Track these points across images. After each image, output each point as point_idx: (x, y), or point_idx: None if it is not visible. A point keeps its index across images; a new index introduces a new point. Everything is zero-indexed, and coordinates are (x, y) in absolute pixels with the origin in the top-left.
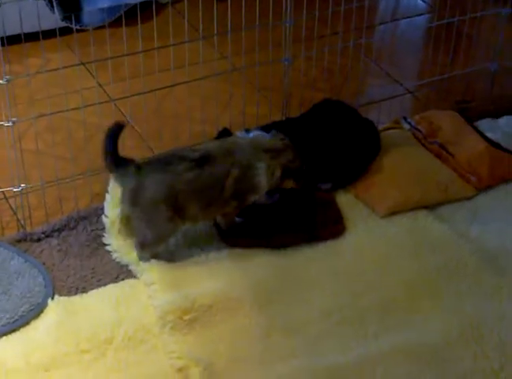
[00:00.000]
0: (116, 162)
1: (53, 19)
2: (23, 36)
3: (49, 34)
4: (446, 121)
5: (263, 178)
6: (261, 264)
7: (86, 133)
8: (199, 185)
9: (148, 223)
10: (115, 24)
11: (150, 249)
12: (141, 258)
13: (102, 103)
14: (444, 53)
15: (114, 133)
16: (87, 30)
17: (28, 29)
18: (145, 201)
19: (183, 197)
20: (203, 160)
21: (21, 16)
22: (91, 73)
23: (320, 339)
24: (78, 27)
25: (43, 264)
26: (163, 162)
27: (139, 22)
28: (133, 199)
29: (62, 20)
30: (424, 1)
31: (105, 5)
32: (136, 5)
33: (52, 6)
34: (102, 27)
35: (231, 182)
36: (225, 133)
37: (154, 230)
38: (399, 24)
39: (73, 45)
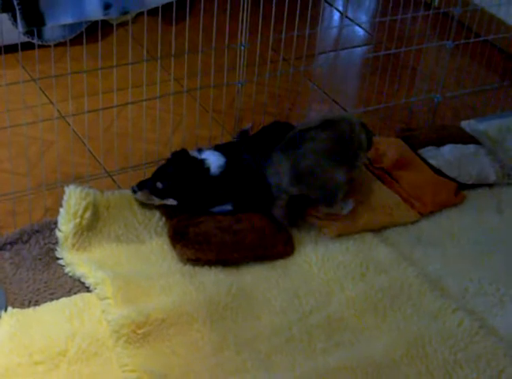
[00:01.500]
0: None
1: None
2: None
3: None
4: (391, 148)
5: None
6: (213, 280)
7: (37, 148)
8: (334, 144)
9: (322, 188)
10: (72, 41)
11: (339, 204)
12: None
13: (47, 120)
14: (390, 82)
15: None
16: (47, 46)
17: None
18: (308, 172)
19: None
20: (326, 124)
21: None
22: (41, 90)
23: (270, 354)
24: (39, 42)
25: None
26: (297, 137)
27: (84, 42)
28: (295, 177)
29: (24, 35)
30: (368, 32)
31: (68, 21)
32: (95, 23)
33: (15, 20)
34: (61, 44)
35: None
36: (182, 153)
37: (331, 188)
38: (347, 52)
39: (23, 61)
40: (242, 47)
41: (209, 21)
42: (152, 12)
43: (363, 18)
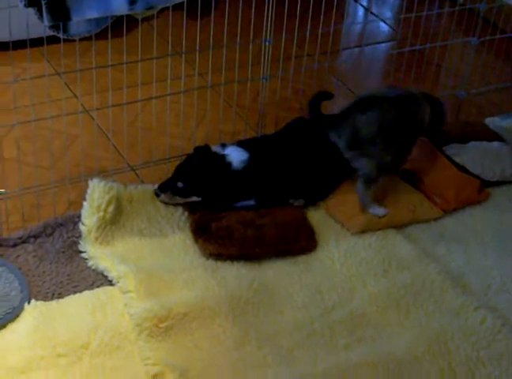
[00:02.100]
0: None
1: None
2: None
3: (23, 44)
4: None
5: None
6: (235, 275)
7: (62, 142)
8: (402, 119)
9: (370, 159)
10: (97, 36)
11: (374, 182)
12: (366, 195)
13: (72, 114)
14: (414, 79)
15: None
16: (72, 40)
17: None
18: (364, 140)
19: (391, 132)
20: (399, 99)
21: (10, 23)
22: (66, 84)
23: (292, 349)
24: (65, 36)
25: (19, 269)
26: (368, 103)
27: (109, 37)
28: (350, 143)
29: (49, 29)
30: (392, 28)
31: (94, 15)
32: (120, 17)
33: (41, 14)
34: (85, 38)
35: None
36: (204, 149)
37: (376, 164)
38: (371, 48)
39: (49, 55)
40: (267, 43)
41: (234, 16)
42: (177, 6)
43: (388, 14)
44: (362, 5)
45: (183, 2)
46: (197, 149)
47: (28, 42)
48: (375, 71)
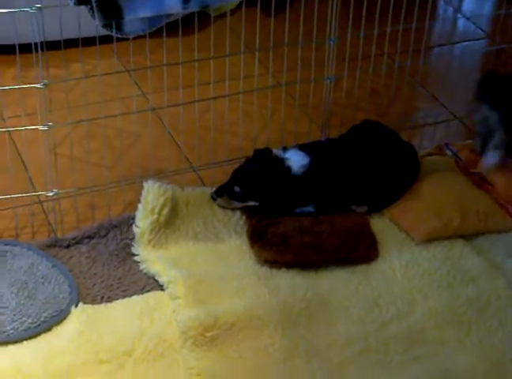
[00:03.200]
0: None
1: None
2: (62, 42)
3: (99, 40)
4: None
5: None
6: (289, 284)
7: (124, 141)
8: None
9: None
10: (169, 33)
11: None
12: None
13: (139, 112)
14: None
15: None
16: (141, 37)
17: (71, 35)
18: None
19: None
20: None
21: (61, 21)
22: (135, 82)
23: (342, 365)
24: (119, 35)
25: (71, 270)
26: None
27: (180, 33)
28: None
29: (103, 27)
30: (479, 27)
31: (146, 14)
32: (192, 14)
33: (93, 13)
34: (143, 36)
35: None
36: (265, 152)
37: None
38: (448, 48)
39: (119, 52)
40: (331, 42)
41: (310, 13)
42: (252, 3)
43: (474, 11)
44: (446, 2)
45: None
46: (257, 152)
47: (97, 39)
48: (459, 72)
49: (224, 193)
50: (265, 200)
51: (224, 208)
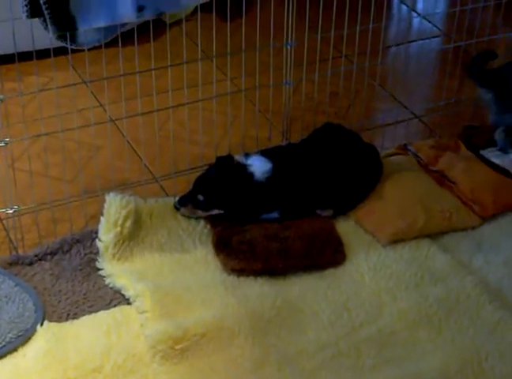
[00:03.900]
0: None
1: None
2: (16, 55)
3: (54, 52)
4: (447, 149)
5: None
6: (257, 292)
7: (84, 153)
8: None
9: None
10: (124, 42)
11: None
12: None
13: (98, 124)
14: (452, 78)
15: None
16: (96, 48)
17: (26, 48)
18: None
19: None
20: None
21: (15, 34)
22: (92, 93)
23: (314, 372)
24: (73, 46)
25: (35, 288)
26: None
27: (136, 43)
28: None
29: (57, 39)
30: (434, 25)
31: (100, 24)
32: (147, 22)
33: (47, 25)
34: (99, 46)
35: None
36: (227, 159)
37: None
38: (404, 48)
39: (76, 63)
40: (288, 46)
41: (267, 18)
42: (208, 9)
43: (429, 10)
44: (403, 3)
45: (212, 4)
46: (219, 159)
47: (51, 51)
48: (417, 71)
49: (187, 203)
50: (230, 207)
51: (188, 217)
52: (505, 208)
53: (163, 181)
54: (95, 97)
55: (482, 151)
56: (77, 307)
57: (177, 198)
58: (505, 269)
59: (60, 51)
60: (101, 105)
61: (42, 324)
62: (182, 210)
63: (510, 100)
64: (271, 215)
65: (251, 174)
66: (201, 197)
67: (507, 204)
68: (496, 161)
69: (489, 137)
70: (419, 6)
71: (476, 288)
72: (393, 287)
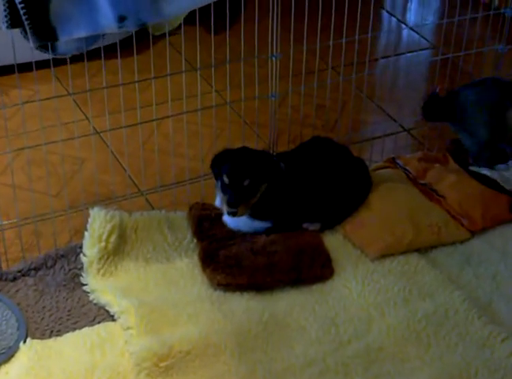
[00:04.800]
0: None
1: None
2: None
3: (39, 65)
4: (436, 162)
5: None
6: (244, 307)
7: (68, 167)
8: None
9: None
10: (109, 55)
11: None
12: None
13: (82, 136)
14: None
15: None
16: (80, 60)
17: (8, 61)
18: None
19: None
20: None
21: None
22: (77, 106)
23: None
24: (54, 56)
25: (18, 304)
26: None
27: (118, 56)
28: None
29: (37, 49)
30: (423, 37)
31: (81, 35)
32: (132, 36)
33: (27, 35)
34: (83, 58)
35: None
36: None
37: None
38: (393, 60)
39: (61, 76)
40: (274, 58)
41: (252, 30)
42: (193, 21)
43: (417, 22)
44: (389, 13)
45: (197, 16)
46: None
47: (33, 64)
48: (405, 83)
49: (239, 199)
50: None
51: (172, 224)
52: (494, 222)
53: (148, 194)
54: (80, 109)
55: (470, 165)
56: (60, 324)
57: (225, 208)
58: (494, 283)
59: (44, 64)
60: (86, 118)
61: (25, 342)
62: (241, 209)
63: (471, 125)
64: (264, 225)
65: None
66: (246, 182)
67: (496, 218)
68: (485, 172)
69: None
70: (408, 18)
71: (464, 303)
72: (381, 302)
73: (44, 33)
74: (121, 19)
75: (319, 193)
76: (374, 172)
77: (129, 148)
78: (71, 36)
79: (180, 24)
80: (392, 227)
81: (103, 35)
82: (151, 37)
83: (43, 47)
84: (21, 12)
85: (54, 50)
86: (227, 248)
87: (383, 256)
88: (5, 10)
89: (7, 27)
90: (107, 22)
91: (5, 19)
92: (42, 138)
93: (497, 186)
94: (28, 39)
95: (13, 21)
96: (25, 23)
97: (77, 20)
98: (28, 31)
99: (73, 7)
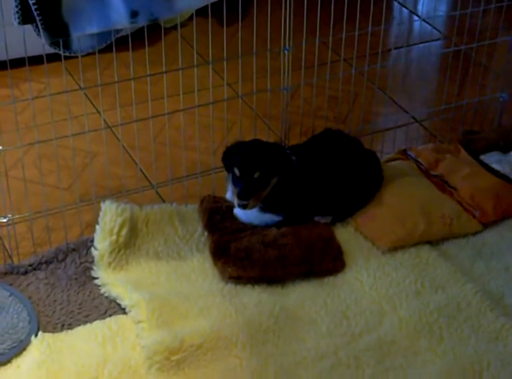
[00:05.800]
0: None
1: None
2: (8, 62)
3: (50, 58)
4: (447, 154)
5: None
6: (255, 300)
7: (80, 161)
8: None
9: None
10: (121, 48)
11: None
12: None
13: (93, 130)
14: (453, 81)
15: None
16: (90, 54)
17: (20, 54)
18: None
19: None
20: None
21: (7, 40)
22: (89, 99)
23: None
24: (67, 53)
25: (29, 298)
26: None
27: (130, 48)
28: None
29: (50, 46)
30: (435, 28)
31: (93, 30)
32: (143, 28)
33: (39, 31)
34: (109, 50)
35: None
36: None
37: None
38: (404, 51)
39: (72, 69)
40: (286, 51)
41: (264, 22)
42: (205, 13)
43: (430, 12)
44: (401, 4)
45: (209, 9)
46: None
47: (44, 57)
48: (417, 75)
49: (250, 192)
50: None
51: (184, 216)
52: (506, 214)
53: (159, 187)
54: (91, 103)
55: (482, 157)
56: (71, 317)
57: (236, 201)
58: (506, 276)
59: (56, 57)
60: (97, 111)
61: (36, 335)
62: (252, 202)
63: None
64: (275, 218)
65: None
66: (257, 174)
67: (508, 210)
68: (496, 167)
69: (489, 143)
70: (420, 9)
71: (477, 295)
72: (393, 294)
73: (56, 29)
74: (133, 14)
75: (331, 186)
76: (386, 164)
77: (141, 142)
78: (83, 32)
79: (192, 15)
80: (403, 219)
81: (117, 31)
82: (163, 29)
83: (55, 44)
84: (33, 7)
85: (66, 47)
86: (239, 241)
87: (395, 248)
88: (16, 6)
89: (19, 23)
90: (119, 17)
91: (17, 15)
92: (53, 132)
93: (507, 179)
94: (40, 36)
95: (25, 17)
96: (37, 19)
97: (89, 15)
98: (39, 27)
99: (85, 2)
